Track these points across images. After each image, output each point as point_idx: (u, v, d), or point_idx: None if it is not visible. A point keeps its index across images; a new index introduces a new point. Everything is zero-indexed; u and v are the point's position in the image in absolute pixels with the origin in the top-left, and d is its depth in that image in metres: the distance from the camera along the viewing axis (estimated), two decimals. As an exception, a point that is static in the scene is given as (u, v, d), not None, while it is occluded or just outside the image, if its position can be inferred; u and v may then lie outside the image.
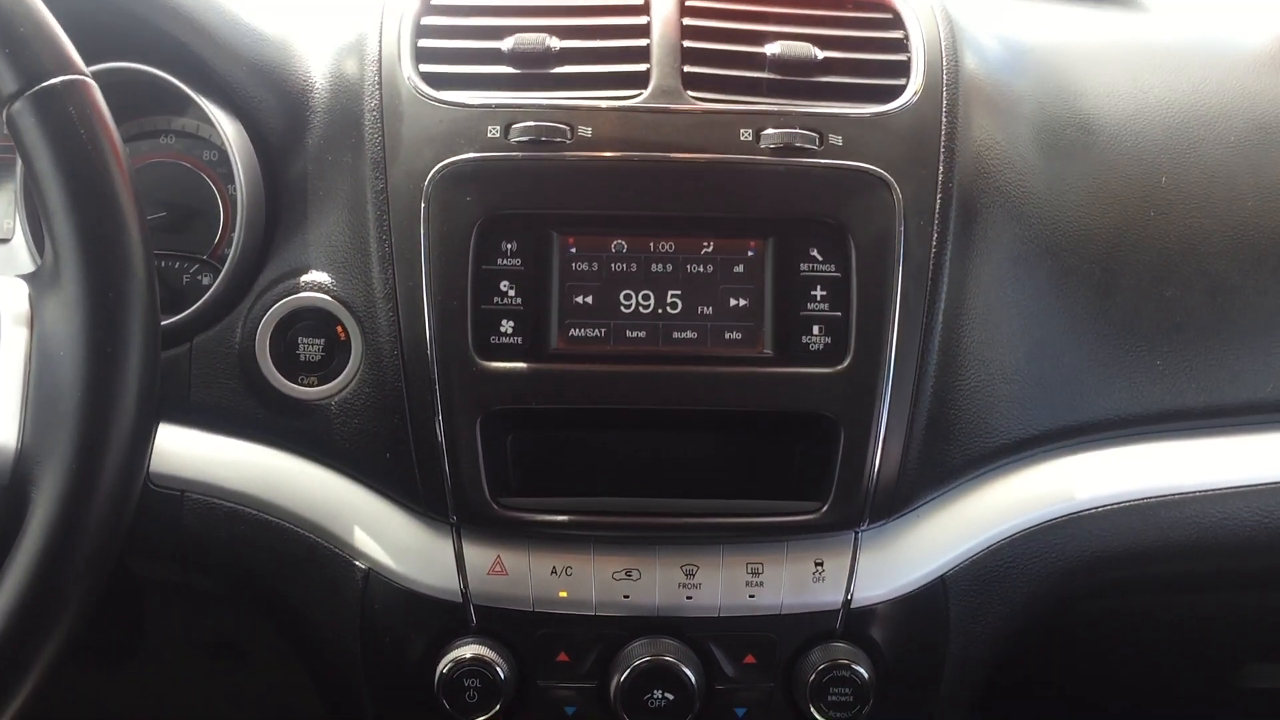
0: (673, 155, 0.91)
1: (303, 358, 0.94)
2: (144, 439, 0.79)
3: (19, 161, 0.96)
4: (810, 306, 0.92)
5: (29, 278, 0.80)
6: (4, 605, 0.73)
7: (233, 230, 0.98)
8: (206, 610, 1.11)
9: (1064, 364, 0.98)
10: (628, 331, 0.92)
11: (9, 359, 0.77)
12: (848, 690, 0.91)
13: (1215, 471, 1.00)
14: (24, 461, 0.75)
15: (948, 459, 0.95)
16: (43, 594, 0.74)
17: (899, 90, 0.95)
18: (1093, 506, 0.98)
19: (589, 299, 0.92)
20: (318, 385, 0.94)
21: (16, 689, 0.75)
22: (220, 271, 0.97)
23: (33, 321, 0.77)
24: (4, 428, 0.76)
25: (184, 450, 0.95)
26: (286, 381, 0.95)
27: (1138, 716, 1.41)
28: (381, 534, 0.94)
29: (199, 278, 1.01)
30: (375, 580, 0.94)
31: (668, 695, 0.91)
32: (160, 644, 1.14)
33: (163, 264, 1.00)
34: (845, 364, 0.90)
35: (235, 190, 0.98)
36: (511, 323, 0.91)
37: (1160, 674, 1.28)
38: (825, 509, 0.91)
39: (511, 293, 0.91)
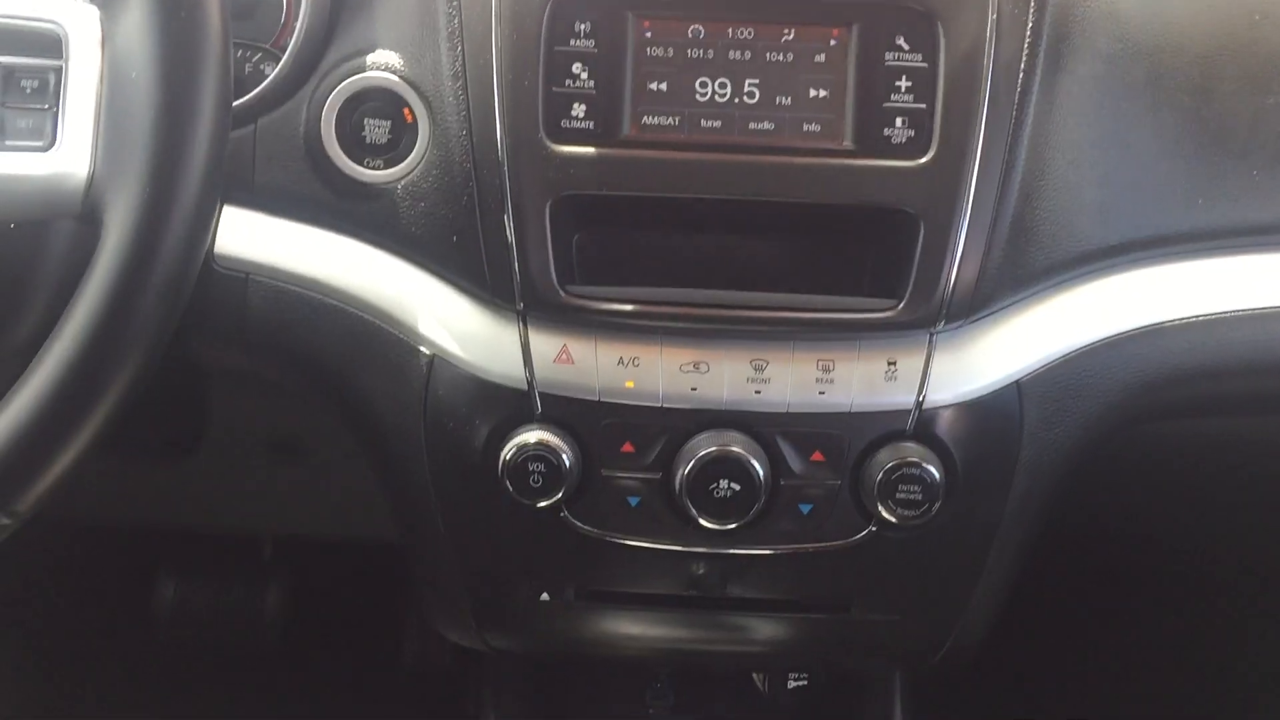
0: None
1: (369, 140, 0.92)
2: (217, 167, 0.77)
3: None
4: (894, 98, 0.88)
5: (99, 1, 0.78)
6: (79, 328, 0.73)
7: (296, 18, 0.95)
8: (270, 405, 1.11)
9: (1156, 171, 0.94)
10: (702, 120, 0.89)
11: (81, 85, 0.75)
12: (917, 488, 0.90)
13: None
14: (97, 188, 0.74)
15: (1030, 262, 0.91)
16: (118, 318, 0.73)
17: None
18: (1177, 319, 0.95)
19: (663, 86, 0.89)
20: (384, 168, 0.92)
21: (91, 412, 0.75)
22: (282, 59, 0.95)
23: (104, 45, 0.75)
24: (77, 155, 0.75)
25: (249, 233, 0.94)
26: (352, 164, 0.93)
27: (1198, 558, 1.40)
28: (446, 320, 0.93)
29: (261, 67, 0.98)
30: (440, 366, 0.93)
31: (734, 485, 0.90)
32: (222, 440, 1.14)
33: None
34: (928, 157, 0.87)
35: None
36: (583, 106, 0.88)
37: (1225, 511, 1.26)
38: (901, 307, 0.88)
39: (584, 76, 0.88)
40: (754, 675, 1.22)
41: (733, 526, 0.92)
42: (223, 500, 1.30)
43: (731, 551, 0.95)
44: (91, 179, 0.74)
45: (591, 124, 0.88)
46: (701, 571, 0.96)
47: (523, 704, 1.32)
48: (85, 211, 0.75)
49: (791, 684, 1.18)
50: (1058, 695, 1.75)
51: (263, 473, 1.21)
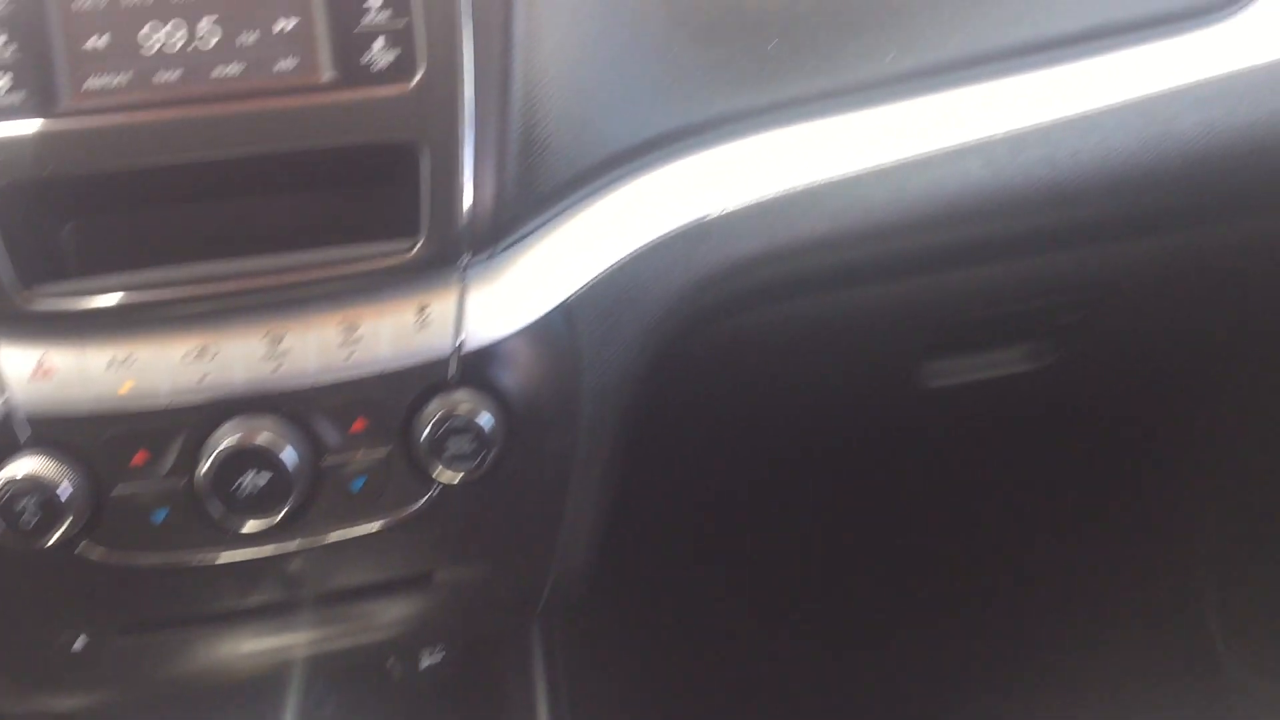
0: None
1: None
2: None
3: None
4: (368, 19, 0.79)
5: None
6: None
7: None
8: None
9: (669, 58, 0.89)
10: (156, 75, 0.77)
11: None
12: (468, 439, 0.82)
13: (848, 157, 0.94)
14: None
15: (552, 174, 0.85)
16: None
17: None
18: (721, 210, 0.91)
19: (104, 40, 0.76)
20: None
21: None
22: None
23: None
24: None
25: None
26: None
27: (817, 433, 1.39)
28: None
29: None
30: None
31: (260, 478, 0.80)
32: None
33: None
34: (417, 79, 0.79)
35: None
36: (9, 76, 0.75)
37: (833, 387, 1.24)
38: (419, 245, 0.80)
39: (2, 41, 0.75)
40: (387, 664, 1.13)
41: (279, 520, 0.82)
42: None
43: (288, 550, 0.85)
44: None
45: (22, 96, 0.75)
46: (264, 579, 0.86)
47: None
48: None
49: (425, 663, 1.11)
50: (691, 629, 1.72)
51: None
